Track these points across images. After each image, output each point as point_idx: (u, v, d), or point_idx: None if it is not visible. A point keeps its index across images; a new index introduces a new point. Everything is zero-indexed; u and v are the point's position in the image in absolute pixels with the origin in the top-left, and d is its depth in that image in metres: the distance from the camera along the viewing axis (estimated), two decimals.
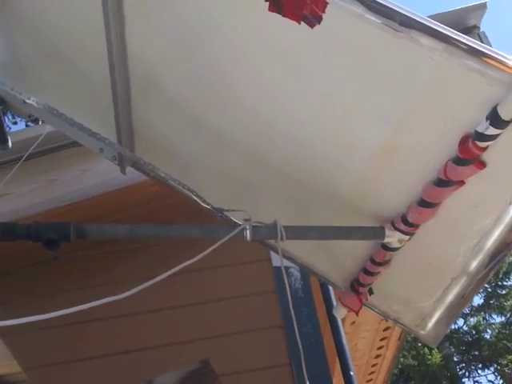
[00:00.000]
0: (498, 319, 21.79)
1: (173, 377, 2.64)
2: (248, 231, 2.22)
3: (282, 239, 2.23)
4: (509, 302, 21.28)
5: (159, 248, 3.97)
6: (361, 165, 2.22)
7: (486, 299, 21.82)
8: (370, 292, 2.61)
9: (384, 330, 7.71)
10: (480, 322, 21.74)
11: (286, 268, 3.79)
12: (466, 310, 21.88)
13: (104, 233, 2.28)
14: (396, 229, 2.28)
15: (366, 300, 2.64)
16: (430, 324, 2.58)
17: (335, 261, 2.71)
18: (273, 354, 3.80)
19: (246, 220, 2.24)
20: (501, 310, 21.51)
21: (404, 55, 1.82)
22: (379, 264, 2.46)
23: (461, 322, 21.93)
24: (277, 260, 3.78)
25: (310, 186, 2.40)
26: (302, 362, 2.44)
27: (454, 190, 2.07)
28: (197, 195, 2.40)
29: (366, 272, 2.53)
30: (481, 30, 4.48)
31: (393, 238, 2.31)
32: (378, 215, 2.34)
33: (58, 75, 2.74)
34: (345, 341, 4.12)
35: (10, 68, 2.85)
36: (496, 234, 2.16)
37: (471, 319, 21.96)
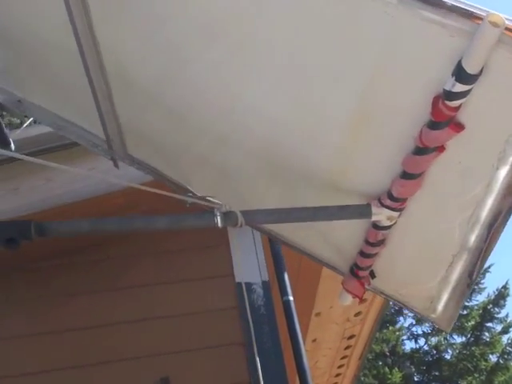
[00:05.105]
0: (458, 339, 21.87)
1: None
2: (219, 218, 2.14)
3: (241, 226, 2.17)
4: (470, 323, 21.34)
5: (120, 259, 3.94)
6: (335, 138, 2.10)
7: None
8: (372, 275, 2.52)
9: (345, 348, 7.60)
10: (441, 341, 21.76)
11: (249, 284, 3.73)
12: (428, 330, 21.98)
13: (66, 229, 2.23)
14: (383, 205, 2.16)
15: (369, 284, 2.54)
16: (440, 307, 2.46)
17: (333, 245, 2.61)
18: (232, 371, 3.67)
19: (216, 205, 2.18)
20: (462, 331, 21.50)
21: (358, 14, 1.70)
22: (373, 245, 2.35)
23: (422, 341, 22.00)
24: (239, 276, 3.76)
25: (289, 168, 2.31)
26: (261, 379, 2.32)
27: (434, 158, 1.92)
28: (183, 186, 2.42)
29: (363, 254, 2.43)
30: None
31: (380, 215, 2.19)
32: (365, 193, 2.23)
33: (45, 81, 2.75)
34: (305, 359, 3.97)
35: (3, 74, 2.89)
36: (489, 203, 2.01)
37: (432, 339, 22.02)
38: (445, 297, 2.42)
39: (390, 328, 20.93)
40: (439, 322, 2.54)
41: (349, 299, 2.62)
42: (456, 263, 2.27)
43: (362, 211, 2.22)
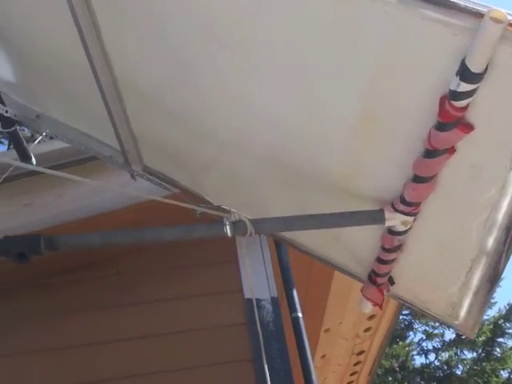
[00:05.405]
0: (469, 355, 21.70)
1: None
2: (228, 227, 2.15)
3: (250, 234, 2.17)
4: (481, 338, 21.20)
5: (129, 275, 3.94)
6: (343, 142, 2.08)
7: (458, 334, 21.70)
8: (391, 282, 2.49)
9: (355, 364, 7.53)
10: (452, 357, 21.63)
11: (258, 301, 3.70)
12: (438, 345, 21.81)
13: (76, 243, 2.24)
14: (396, 210, 2.13)
15: (388, 291, 2.52)
16: (462, 313, 2.42)
17: (350, 251, 2.58)
18: None
19: (226, 214, 2.18)
20: (472, 346, 21.40)
21: (358, 14, 1.67)
22: (389, 250, 2.32)
23: (432, 356, 21.83)
24: (248, 292, 3.73)
25: (297, 172, 2.29)
26: None
27: (445, 160, 1.89)
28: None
29: (380, 261, 2.40)
30: None
31: (394, 220, 2.16)
32: (377, 198, 2.21)
33: (58, 95, 2.77)
34: (314, 376, 3.94)
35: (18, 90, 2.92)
36: (504, 205, 1.97)
37: (443, 354, 21.85)
38: (466, 303, 2.38)
39: (400, 343, 20.74)
40: (463, 329, 2.50)
41: (369, 307, 2.59)
42: (475, 268, 2.23)
43: (376, 217, 2.19)
